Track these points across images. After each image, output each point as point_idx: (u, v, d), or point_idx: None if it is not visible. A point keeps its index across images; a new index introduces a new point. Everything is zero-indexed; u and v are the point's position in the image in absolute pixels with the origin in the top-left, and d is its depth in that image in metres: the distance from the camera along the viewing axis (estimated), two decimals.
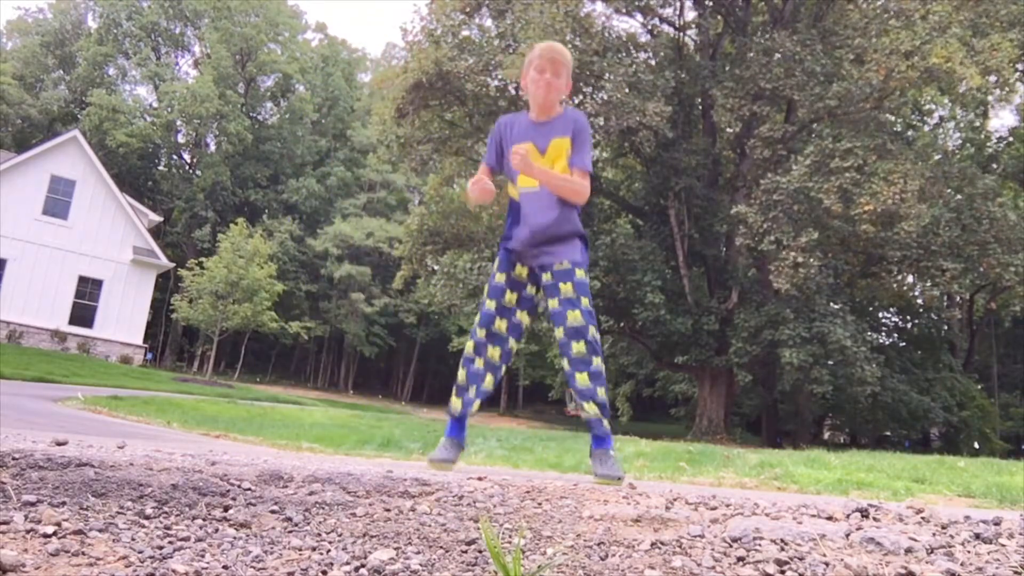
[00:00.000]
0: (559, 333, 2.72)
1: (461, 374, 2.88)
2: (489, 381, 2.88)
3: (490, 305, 2.85)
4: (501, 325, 2.85)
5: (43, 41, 43.65)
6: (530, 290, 2.89)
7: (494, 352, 2.87)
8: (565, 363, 2.72)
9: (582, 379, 2.66)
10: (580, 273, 2.75)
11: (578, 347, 2.66)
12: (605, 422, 2.70)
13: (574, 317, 2.68)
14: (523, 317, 2.91)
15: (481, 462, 5.25)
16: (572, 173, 2.77)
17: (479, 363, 2.87)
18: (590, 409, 2.67)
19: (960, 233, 16.98)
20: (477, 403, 2.89)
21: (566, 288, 2.70)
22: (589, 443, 2.80)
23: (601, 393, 2.67)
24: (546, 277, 2.76)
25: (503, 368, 2.94)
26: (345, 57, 50.08)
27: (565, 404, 39.37)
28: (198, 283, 25.71)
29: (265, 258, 27.57)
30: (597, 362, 2.67)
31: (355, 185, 45.89)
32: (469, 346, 2.88)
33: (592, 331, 2.69)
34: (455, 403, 2.89)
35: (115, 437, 4.26)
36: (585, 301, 2.72)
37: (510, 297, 2.85)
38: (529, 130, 2.85)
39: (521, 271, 2.84)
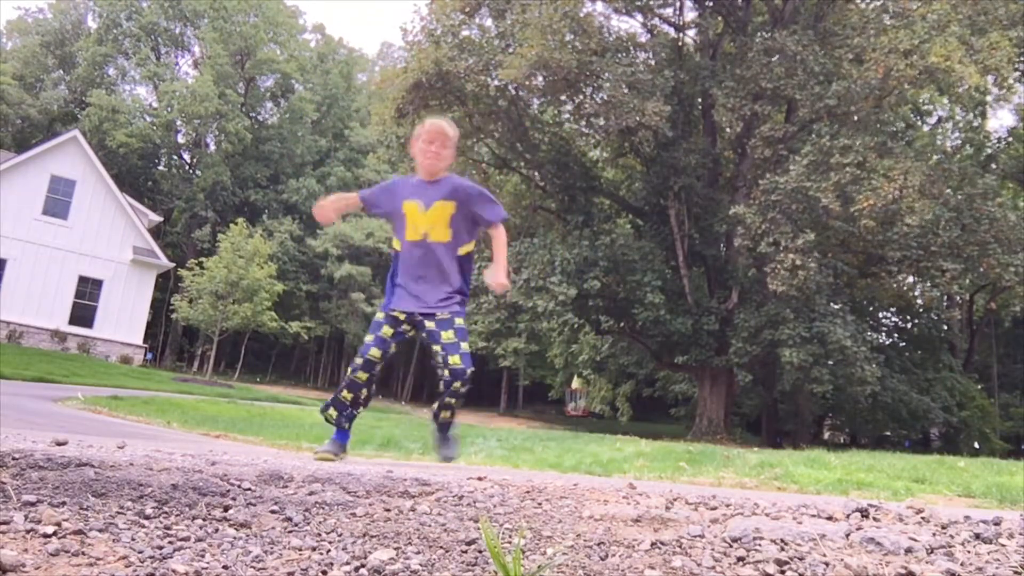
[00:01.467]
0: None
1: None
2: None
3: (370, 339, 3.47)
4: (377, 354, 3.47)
5: (43, 41, 43.65)
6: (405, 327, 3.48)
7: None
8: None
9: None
10: (459, 321, 3.38)
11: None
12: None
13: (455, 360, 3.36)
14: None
15: (481, 462, 5.26)
16: (493, 227, 3.48)
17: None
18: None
19: (960, 233, 16.98)
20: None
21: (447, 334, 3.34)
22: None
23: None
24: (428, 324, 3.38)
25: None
26: (343, 56, 50.06)
27: (565, 404, 39.39)
28: (198, 283, 25.71)
29: (265, 258, 27.56)
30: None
31: (355, 185, 45.87)
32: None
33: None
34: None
35: (115, 437, 4.26)
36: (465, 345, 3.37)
37: (387, 331, 3.45)
38: (418, 189, 3.45)
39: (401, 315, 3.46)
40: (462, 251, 3.46)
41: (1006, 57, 15.19)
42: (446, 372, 3.33)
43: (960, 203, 17.22)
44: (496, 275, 3.40)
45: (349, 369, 3.46)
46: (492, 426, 16.73)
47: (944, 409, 24.35)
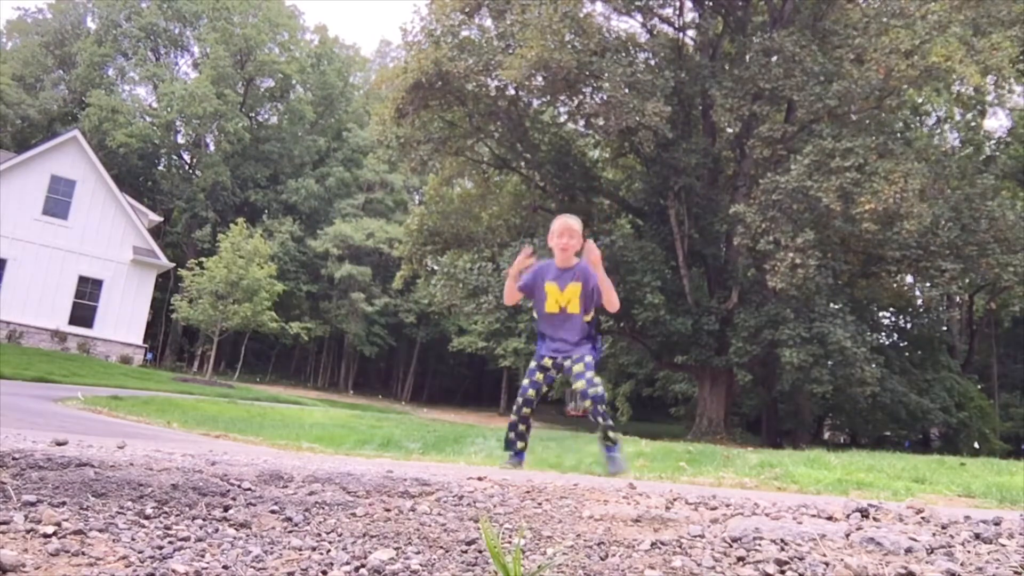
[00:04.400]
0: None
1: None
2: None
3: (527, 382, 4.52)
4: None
5: (43, 41, 43.65)
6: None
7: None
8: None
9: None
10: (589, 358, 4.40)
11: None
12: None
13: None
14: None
15: (481, 462, 5.25)
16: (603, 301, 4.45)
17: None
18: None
19: (959, 233, 16.98)
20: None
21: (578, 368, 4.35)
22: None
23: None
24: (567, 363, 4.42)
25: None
26: (339, 54, 50.03)
27: (565, 404, 39.39)
28: (198, 283, 25.69)
29: (265, 258, 27.53)
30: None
31: (354, 185, 45.90)
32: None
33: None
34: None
35: (115, 437, 4.26)
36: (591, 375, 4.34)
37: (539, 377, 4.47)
38: (557, 274, 4.43)
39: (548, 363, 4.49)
40: (587, 318, 4.49)
41: (1007, 57, 15.19)
42: (583, 401, 4.34)
43: (959, 203, 17.23)
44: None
45: (515, 408, 4.53)
46: (492, 426, 16.72)
47: (943, 410, 24.35)
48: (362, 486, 2.33)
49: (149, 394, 13.62)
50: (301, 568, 1.40)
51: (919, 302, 29.87)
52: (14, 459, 2.20)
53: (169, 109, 38.81)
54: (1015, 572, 1.58)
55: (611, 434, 4.30)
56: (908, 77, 15.60)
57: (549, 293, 4.44)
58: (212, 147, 42.97)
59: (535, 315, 4.58)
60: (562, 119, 23.26)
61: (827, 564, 1.58)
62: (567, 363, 4.38)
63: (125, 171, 39.08)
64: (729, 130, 21.19)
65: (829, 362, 17.66)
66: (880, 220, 16.01)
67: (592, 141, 24.06)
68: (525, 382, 4.50)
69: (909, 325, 30.50)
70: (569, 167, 21.84)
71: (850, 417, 27.76)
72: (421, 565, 1.46)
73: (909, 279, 24.81)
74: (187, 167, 44.26)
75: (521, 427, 4.50)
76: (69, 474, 2.05)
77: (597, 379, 4.34)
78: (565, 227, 4.42)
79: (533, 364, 4.52)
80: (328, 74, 47.31)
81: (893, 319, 31.40)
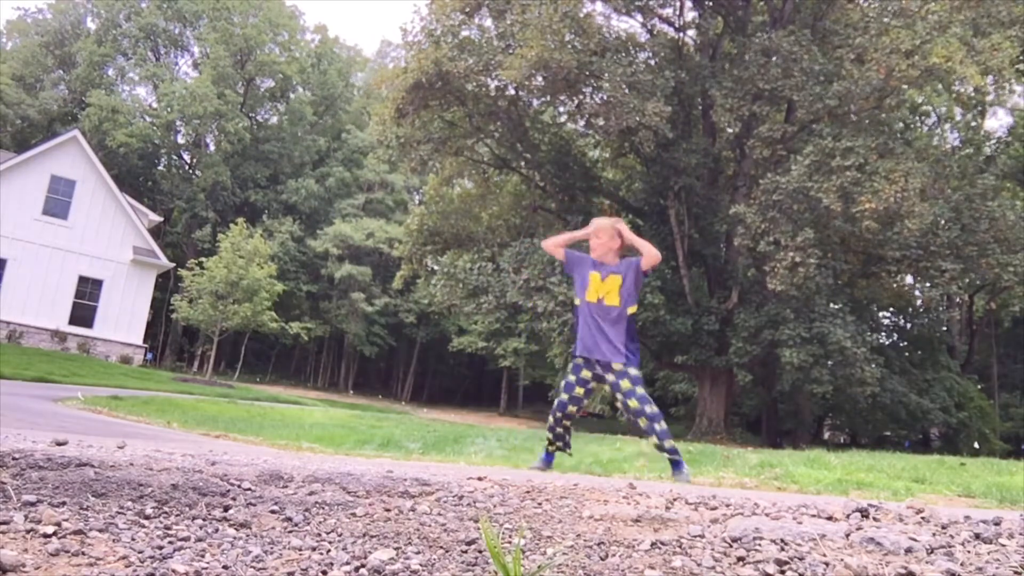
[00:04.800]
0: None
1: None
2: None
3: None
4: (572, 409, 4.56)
5: (43, 41, 43.62)
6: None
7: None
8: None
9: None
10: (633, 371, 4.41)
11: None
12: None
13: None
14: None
15: (481, 462, 5.25)
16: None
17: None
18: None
19: (959, 233, 16.97)
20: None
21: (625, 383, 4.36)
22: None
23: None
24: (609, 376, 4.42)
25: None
26: (339, 54, 50.03)
27: None
28: (198, 283, 25.68)
29: (265, 258, 27.53)
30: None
31: (354, 185, 45.90)
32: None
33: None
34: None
35: (115, 437, 4.26)
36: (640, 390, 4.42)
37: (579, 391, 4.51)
38: (600, 265, 4.50)
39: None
40: (632, 309, 4.51)
41: (1007, 58, 15.19)
42: (634, 418, 4.37)
43: (960, 203, 17.22)
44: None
45: (551, 422, 4.55)
46: (492, 426, 16.73)
47: (943, 410, 24.35)
48: (362, 486, 2.33)
49: (149, 394, 13.62)
50: (301, 568, 1.40)
51: (919, 302, 29.87)
52: (14, 459, 2.20)
53: (169, 109, 38.80)
54: (1015, 572, 1.58)
55: (668, 445, 4.34)
56: (908, 77, 15.59)
57: (591, 280, 4.49)
58: (212, 147, 42.97)
59: (575, 301, 4.63)
60: (562, 119, 23.25)
61: (827, 564, 1.57)
62: (610, 377, 4.35)
63: (125, 171, 39.07)
64: (729, 130, 21.19)
65: (829, 362, 17.66)
66: (881, 220, 16.01)
67: (592, 141, 24.05)
68: (564, 397, 4.48)
69: (909, 325, 30.50)
70: (569, 167, 21.83)
71: (850, 417, 27.77)
72: (421, 565, 1.46)
73: (909, 279, 24.80)
74: (187, 167, 44.25)
75: (559, 430, 4.55)
76: (69, 474, 2.05)
77: (647, 395, 4.37)
78: (595, 229, 4.59)
79: (572, 378, 4.48)
80: (329, 74, 47.32)
81: (893, 319, 31.40)
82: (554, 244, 4.74)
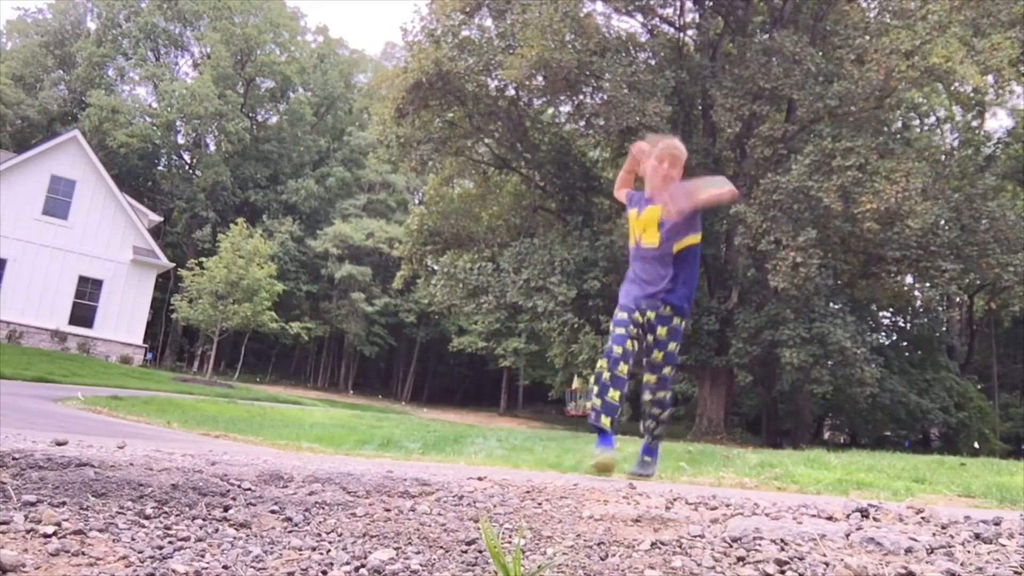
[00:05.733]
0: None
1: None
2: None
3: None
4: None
5: (43, 41, 43.63)
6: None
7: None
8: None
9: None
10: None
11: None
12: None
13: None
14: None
15: (481, 462, 5.25)
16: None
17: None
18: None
19: (959, 233, 16.97)
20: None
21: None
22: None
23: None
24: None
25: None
26: (342, 55, 50.06)
27: (565, 404, 39.39)
28: (198, 283, 25.70)
29: (265, 258, 27.55)
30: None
31: (355, 186, 45.90)
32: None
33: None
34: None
35: (115, 437, 4.26)
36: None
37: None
38: (640, 199, 3.70)
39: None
40: (681, 244, 3.57)
41: (1007, 58, 15.20)
42: (652, 374, 3.63)
43: (960, 203, 17.22)
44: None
45: (596, 374, 3.57)
46: (492, 426, 16.73)
47: (943, 410, 24.37)
48: (362, 486, 2.33)
49: (149, 394, 13.62)
50: (301, 568, 1.40)
51: (919, 302, 29.88)
52: (14, 459, 2.20)
53: (169, 109, 38.81)
54: (1015, 572, 1.58)
55: (658, 432, 3.75)
56: (908, 77, 15.60)
57: (630, 222, 3.71)
58: (212, 147, 42.98)
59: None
60: (562, 119, 23.25)
61: (827, 564, 1.57)
62: (651, 315, 3.55)
63: (125, 171, 39.07)
64: (729, 130, 21.17)
65: (829, 362, 17.66)
66: (881, 220, 16.01)
67: (592, 141, 24.04)
68: (619, 331, 3.56)
69: (909, 325, 30.51)
70: (569, 167, 21.82)
71: (850, 417, 27.79)
72: (421, 565, 1.46)
73: (909, 279, 24.81)
74: (187, 167, 44.27)
75: (611, 394, 3.47)
76: (69, 474, 2.05)
77: (676, 356, 3.65)
78: (670, 151, 3.60)
79: (623, 315, 3.61)
80: (330, 75, 47.33)
81: (893, 319, 31.41)
82: (619, 187, 3.96)
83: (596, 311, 20.05)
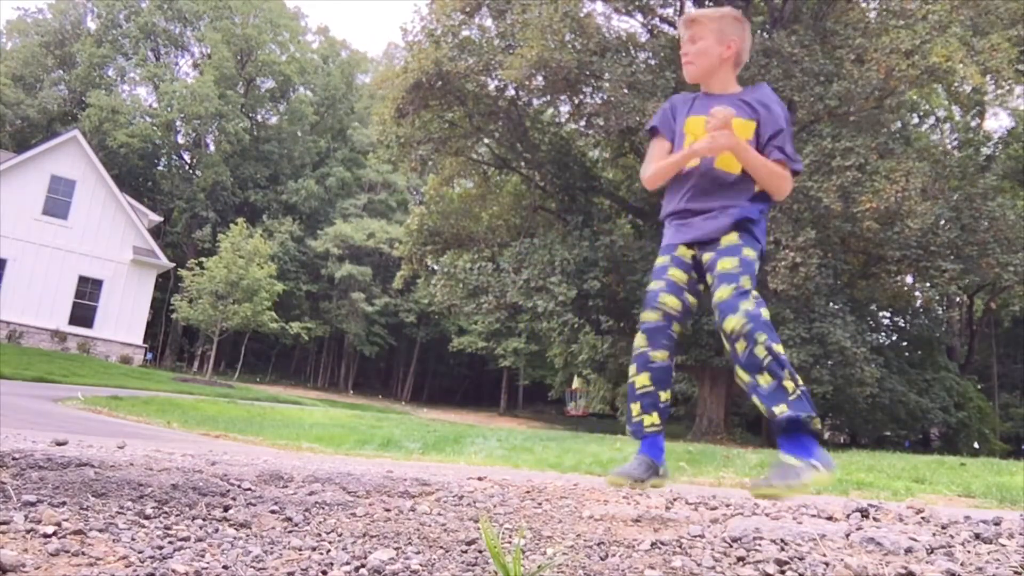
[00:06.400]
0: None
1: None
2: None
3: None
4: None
5: (43, 41, 43.63)
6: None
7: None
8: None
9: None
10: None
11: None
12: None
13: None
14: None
15: (481, 462, 5.25)
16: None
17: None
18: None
19: (959, 233, 16.97)
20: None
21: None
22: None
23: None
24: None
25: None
26: (345, 56, 50.08)
27: (565, 404, 39.40)
28: (198, 283, 25.70)
29: (265, 258, 27.55)
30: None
31: (355, 186, 45.90)
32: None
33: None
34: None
35: (115, 437, 4.26)
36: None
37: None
38: (702, 102, 2.54)
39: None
40: (757, 188, 2.39)
41: (1007, 58, 15.20)
42: (726, 324, 2.25)
43: (960, 203, 17.22)
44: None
45: (637, 346, 2.47)
46: (492, 426, 16.73)
47: (943, 410, 24.36)
48: (362, 486, 2.33)
49: (149, 394, 13.62)
50: (301, 568, 1.40)
51: (919, 302, 29.88)
52: (14, 459, 2.20)
53: (169, 109, 38.81)
54: (1015, 572, 1.58)
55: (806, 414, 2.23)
56: (908, 77, 15.60)
57: (687, 135, 2.49)
58: (212, 147, 42.98)
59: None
60: (562, 119, 23.25)
61: (827, 564, 1.57)
62: (708, 256, 2.35)
63: (125, 171, 39.07)
64: None
65: (829, 362, 17.66)
66: (881, 219, 16.01)
67: (592, 141, 24.04)
68: (656, 284, 2.45)
69: (908, 325, 30.50)
70: (569, 167, 21.82)
71: (850, 417, 27.76)
72: (421, 565, 1.46)
73: (909, 279, 24.81)
74: (187, 167, 44.27)
75: (648, 386, 2.33)
76: (69, 474, 2.05)
77: (759, 296, 2.24)
78: (684, 21, 2.58)
79: (665, 259, 2.47)
80: (331, 75, 47.34)
81: (892, 319, 31.40)
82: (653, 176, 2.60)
83: (596, 311, 20.05)
